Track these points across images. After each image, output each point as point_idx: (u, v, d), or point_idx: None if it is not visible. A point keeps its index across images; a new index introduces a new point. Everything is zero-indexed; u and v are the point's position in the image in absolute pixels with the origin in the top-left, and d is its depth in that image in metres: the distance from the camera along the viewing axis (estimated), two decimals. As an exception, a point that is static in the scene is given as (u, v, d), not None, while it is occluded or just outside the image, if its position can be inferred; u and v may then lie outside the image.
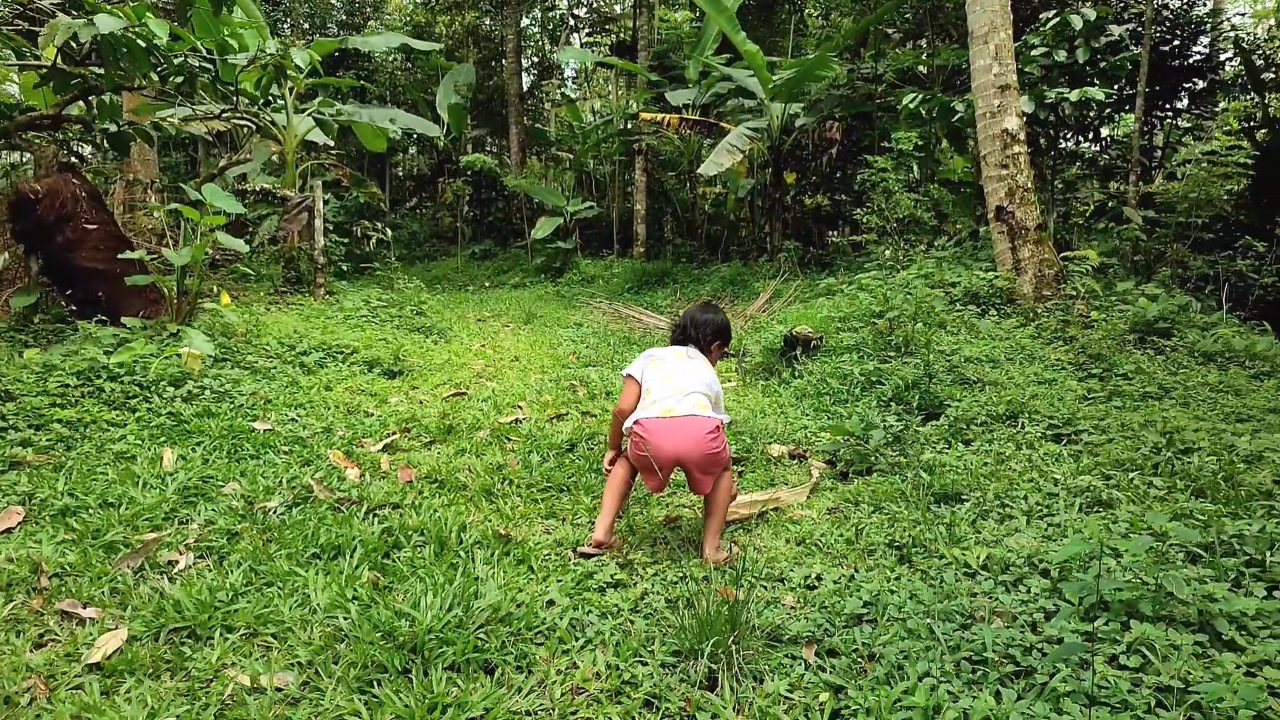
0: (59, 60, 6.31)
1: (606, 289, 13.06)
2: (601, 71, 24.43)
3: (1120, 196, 9.13)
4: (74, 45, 6.15)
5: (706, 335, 3.53)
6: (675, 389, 3.24)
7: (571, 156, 19.20)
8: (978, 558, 2.94)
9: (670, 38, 16.21)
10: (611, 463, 3.43)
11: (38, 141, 8.01)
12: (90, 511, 3.26)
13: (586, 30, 24.84)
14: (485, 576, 2.84)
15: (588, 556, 3.12)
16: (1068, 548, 2.13)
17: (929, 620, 2.52)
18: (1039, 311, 6.44)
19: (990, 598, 2.68)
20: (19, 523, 3.17)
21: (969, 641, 2.39)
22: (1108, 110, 10.17)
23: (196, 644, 2.41)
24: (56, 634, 2.45)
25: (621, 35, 21.17)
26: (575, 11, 24.95)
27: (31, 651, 2.36)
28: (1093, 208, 9.36)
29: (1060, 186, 9.77)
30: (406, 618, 2.52)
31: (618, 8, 24.78)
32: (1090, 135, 11.05)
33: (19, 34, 6.80)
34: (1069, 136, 10.85)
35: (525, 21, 23.34)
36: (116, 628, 2.46)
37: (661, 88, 15.19)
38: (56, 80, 6.29)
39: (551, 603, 2.72)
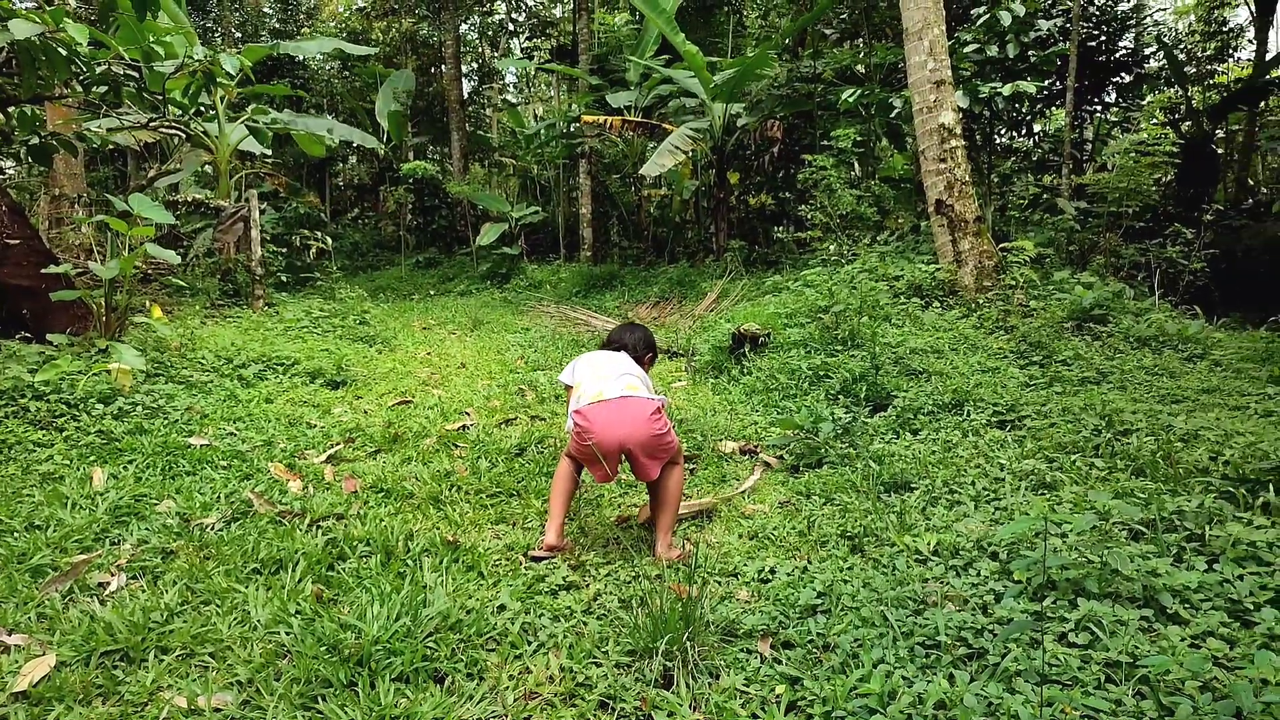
0: (-28, 70, 6.07)
1: (554, 293, 12.98)
2: (543, 76, 24.35)
3: (1054, 189, 9.35)
4: (-12, 54, 5.91)
5: (640, 346, 3.61)
6: (603, 375, 3.26)
7: (515, 162, 19.09)
8: (928, 544, 2.96)
9: (610, 40, 16.23)
10: None
11: (-46, 155, 7.69)
12: (15, 535, 3.11)
13: (526, 35, 24.72)
14: (434, 584, 2.77)
15: (539, 560, 3.07)
16: (1013, 526, 2.15)
17: (882, 608, 2.53)
18: (980, 302, 6.55)
19: (941, 583, 2.70)
20: (-63, 550, 3.00)
21: (922, 627, 2.40)
22: (1039, 105, 10.41)
23: (130, 667, 2.31)
24: (-22, 664, 2.32)
25: (561, 39, 21.13)
26: (514, 16, 24.81)
27: (-49, 684, 2.23)
28: (1028, 200, 9.56)
29: (996, 180, 9.97)
30: (352, 629, 2.44)
31: (557, 11, 24.72)
32: (1023, 129, 11.30)
33: (-71, 44, 6.51)
34: (1003, 131, 11.08)
35: (464, 27, 23.14)
36: (44, 653, 2.33)
37: (603, 91, 15.19)
38: (-29, 90, 6.04)
39: (502, 608, 2.66)
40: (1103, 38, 11.27)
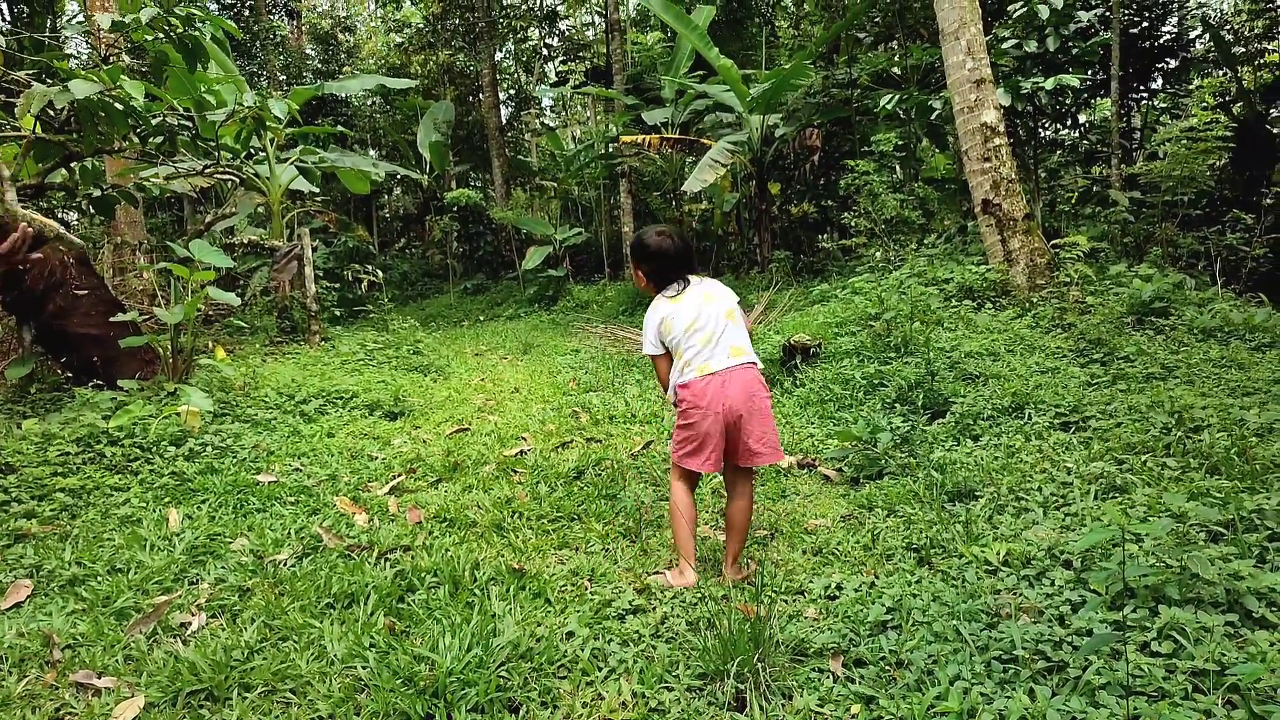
0: (38, 129, 6.34)
1: (601, 313, 13.06)
2: (579, 98, 24.58)
3: (1104, 180, 9.15)
4: (51, 113, 6.18)
5: (693, 255, 3.31)
6: (704, 334, 3.08)
7: (555, 185, 19.28)
8: (997, 554, 2.91)
9: (644, 59, 16.34)
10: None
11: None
12: (99, 579, 3.22)
13: (560, 59, 25.01)
14: (502, 613, 2.80)
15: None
16: (1088, 536, 2.10)
17: (954, 622, 2.49)
18: (1034, 301, 6.43)
19: (1014, 593, 2.65)
20: (28, 596, 3.12)
21: (997, 640, 2.36)
22: (1084, 96, 10.21)
23: (215, 706, 2.37)
24: (73, 707, 2.41)
25: (595, 61, 21.34)
26: (548, 41, 25.14)
27: (48, 728, 2.31)
28: (1078, 194, 9.38)
29: (1044, 175, 9.79)
30: (426, 661, 2.48)
31: (590, 33, 24.99)
32: (1069, 122, 11.09)
33: (-3, 107, 6.83)
34: (1048, 125, 10.89)
35: (499, 55, 23.51)
36: (133, 695, 2.41)
37: (639, 109, 15.29)
38: (37, 149, 6.31)
39: (571, 634, 2.68)
40: (1145, 24, 11.03)
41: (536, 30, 24.64)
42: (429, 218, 20.07)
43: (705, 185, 11.36)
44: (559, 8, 24.82)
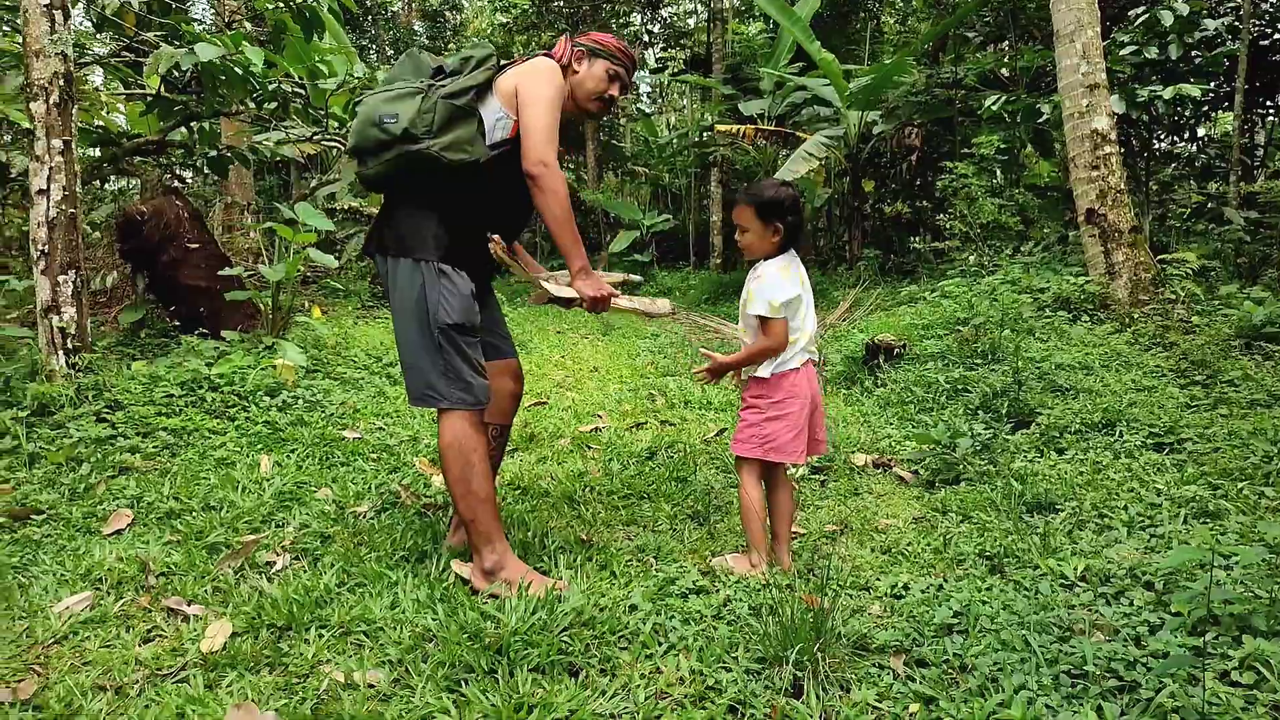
0: (162, 89, 6.67)
1: (684, 300, 13.08)
2: (676, 86, 24.54)
3: (1220, 197, 8.71)
4: (176, 74, 6.49)
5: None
6: (812, 325, 3.11)
7: (647, 170, 19.33)
8: (1075, 569, 2.83)
9: (744, 50, 16.20)
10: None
11: (144, 167, 8.46)
12: (194, 514, 3.41)
13: (661, 45, 24.99)
14: (569, 580, 2.86)
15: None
16: (1175, 555, 2.04)
17: (1024, 632, 2.43)
18: (1135, 317, 6.19)
19: (1090, 610, 2.58)
20: (128, 524, 3.33)
21: (1067, 655, 2.30)
22: (1204, 108, 9.72)
23: (293, 640, 2.49)
24: (164, 630, 2.56)
25: (695, 49, 21.25)
26: (649, 28, 25.14)
27: (140, 646, 2.47)
28: (1191, 209, 8.95)
29: (1155, 188, 9.39)
30: (492, 619, 2.55)
31: (691, 21, 24.88)
32: (1186, 134, 10.59)
33: (126, 65, 7.21)
34: (1163, 136, 10.42)
35: (601, 39, 23.58)
36: (220, 623, 2.55)
37: (736, 100, 15.19)
38: (160, 108, 6.65)
39: (634, 608, 2.72)
40: (1277, 35, 10.43)
41: (639, 16, 24.66)
42: (522, 197, 20.34)
43: (797, 178, 11.24)
44: (663, -6, 24.77)
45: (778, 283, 2.95)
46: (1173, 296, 6.09)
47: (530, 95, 2.77)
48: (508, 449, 4.66)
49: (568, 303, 2.90)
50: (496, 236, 2.97)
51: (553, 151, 2.73)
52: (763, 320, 2.98)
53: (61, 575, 2.85)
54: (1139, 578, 2.73)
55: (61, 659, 2.38)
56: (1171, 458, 3.90)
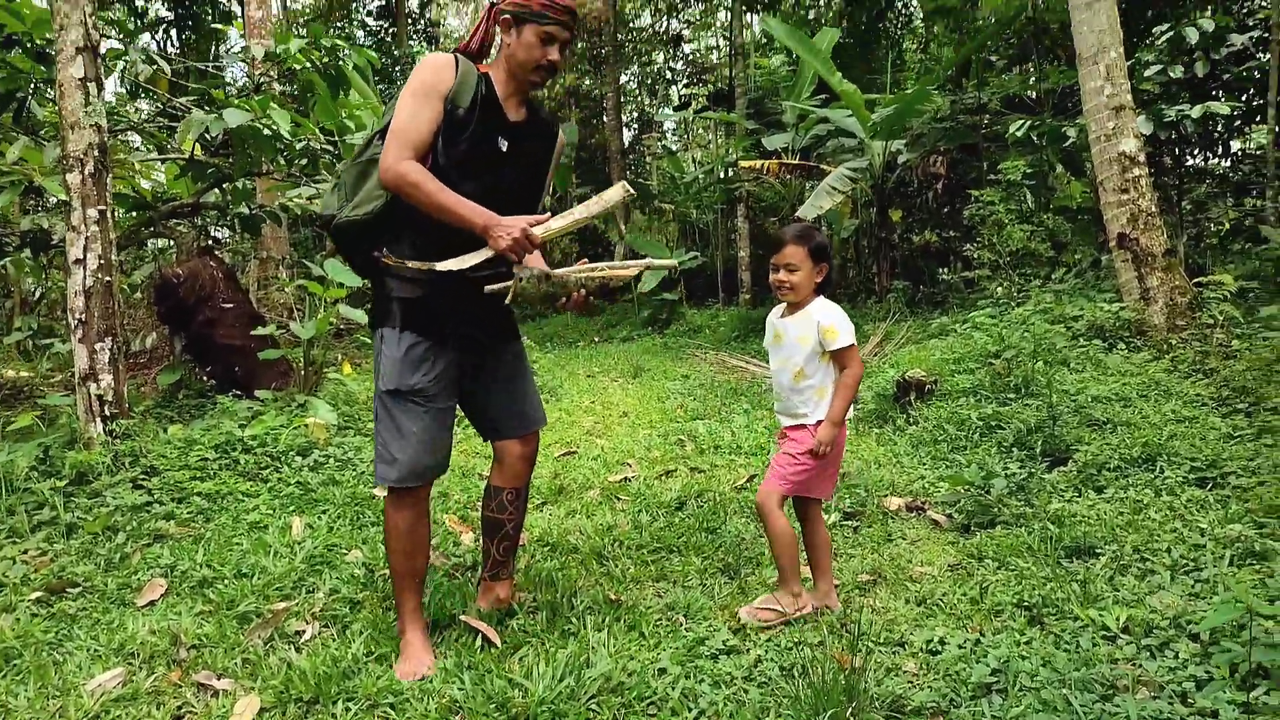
0: (196, 152, 6.87)
1: (713, 338, 13.05)
2: (700, 121, 24.75)
3: (1257, 214, 8.53)
4: (208, 138, 6.68)
5: None
6: None
7: (673, 207, 19.44)
8: (1117, 619, 2.74)
9: (766, 83, 16.32)
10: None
11: (179, 228, 8.69)
12: (226, 582, 3.44)
13: (684, 82, 25.27)
14: (597, 644, 2.83)
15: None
16: (1213, 615, 1.96)
17: (1065, 690, 2.36)
18: (1173, 343, 6.05)
19: (1133, 664, 2.49)
20: (161, 595, 3.37)
21: (1111, 715, 2.22)
22: (1236, 124, 9.56)
23: (321, 714, 2.49)
24: (194, 706, 2.57)
25: (719, 84, 21.44)
26: (672, 65, 25.46)
27: (172, 724, 2.48)
28: (1227, 228, 8.77)
29: (1189, 208, 9.22)
30: (519, 687, 2.53)
31: (714, 57, 25.15)
32: (1219, 151, 10.41)
33: (161, 130, 7.45)
34: (1196, 154, 10.25)
35: (624, 78, 23.95)
36: (249, 698, 2.56)
37: (759, 134, 15.25)
38: (194, 171, 6.84)
39: (663, 671, 2.68)
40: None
41: (661, 54, 25.00)
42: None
43: (822, 211, 11.24)
44: (684, 32, 25.11)
45: (843, 315, 3.05)
46: (1211, 320, 5.94)
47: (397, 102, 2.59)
48: (536, 503, 4.65)
49: (549, 293, 2.59)
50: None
51: (403, 152, 2.50)
52: (842, 351, 3.00)
53: (95, 650, 2.88)
54: (1183, 628, 2.64)
55: (94, 740, 2.40)
56: (1215, 493, 3.78)
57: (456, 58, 2.67)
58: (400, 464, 2.70)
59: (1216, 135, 9.68)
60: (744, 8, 16.55)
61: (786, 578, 3.08)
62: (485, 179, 2.63)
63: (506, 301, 2.58)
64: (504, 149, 2.70)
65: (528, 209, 2.74)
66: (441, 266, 2.51)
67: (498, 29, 2.70)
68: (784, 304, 3.21)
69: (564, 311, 2.62)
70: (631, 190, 2.61)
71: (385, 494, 2.84)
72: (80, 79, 4.86)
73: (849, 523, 4.12)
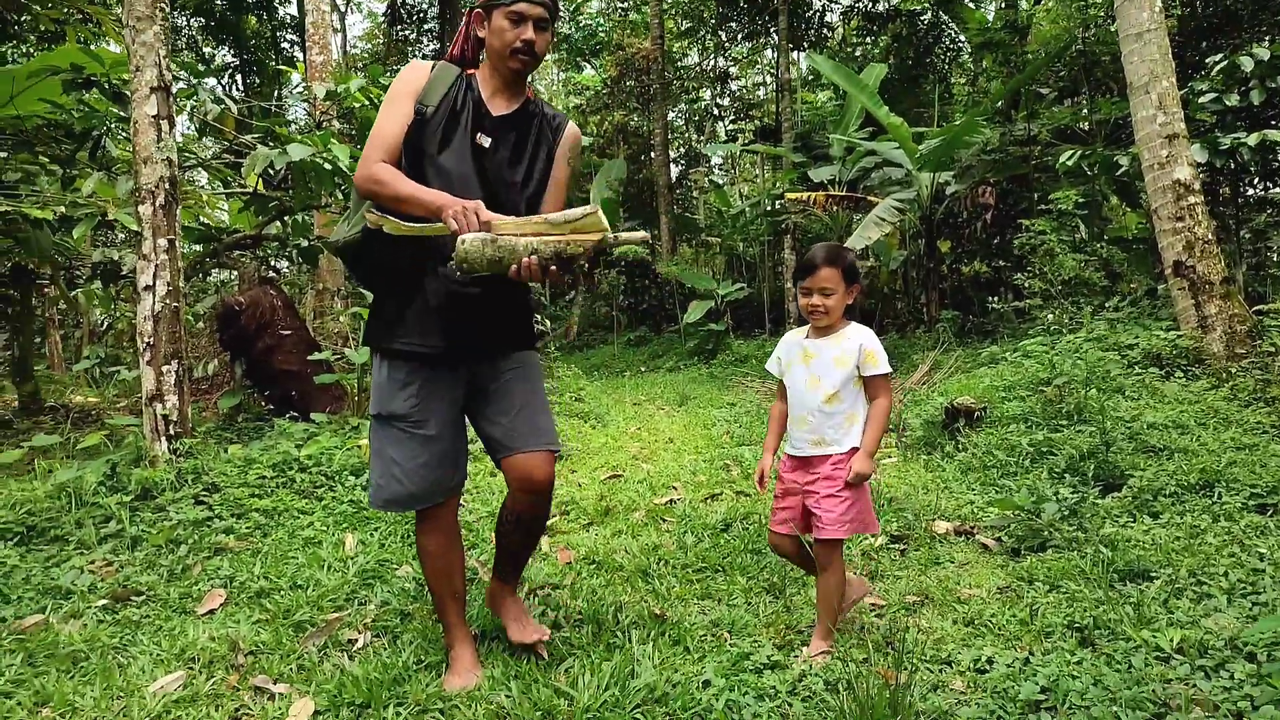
0: (259, 186, 7.15)
1: (759, 368, 13.03)
2: (748, 156, 24.94)
3: (1320, 242, 8.34)
4: (271, 172, 6.95)
5: None
6: None
7: (720, 240, 19.55)
8: (1171, 640, 2.69)
9: (813, 118, 16.44)
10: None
11: (242, 259, 9.01)
12: (282, 593, 3.54)
13: (731, 118, 25.52)
14: (641, 656, 2.85)
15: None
16: (1263, 622, 1.93)
17: (1116, 709, 2.32)
18: (1232, 371, 5.92)
19: (1187, 684, 2.44)
20: (221, 604, 3.47)
21: (1163, 732, 2.19)
22: (1297, 151, 9.38)
23: (373, 718, 2.54)
24: (250, 709, 2.65)
25: (765, 120, 21.64)
26: (719, 101, 25.75)
27: (230, 723, 2.56)
28: (1289, 256, 8.58)
29: (1248, 236, 9.04)
30: (565, 696, 2.56)
31: (760, 93, 25.39)
32: (1278, 179, 10.20)
33: (227, 166, 7.76)
34: (1256, 184, 10.06)
35: (671, 115, 24.27)
36: (304, 702, 2.63)
37: (806, 167, 15.33)
38: (257, 204, 7.11)
39: (707, 683, 2.69)
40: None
41: (708, 91, 25.30)
42: (597, 270, 20.81)
43: (870, 243, 11.22)
44: (731, 69, 25.41)
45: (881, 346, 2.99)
46: (1272, 349, 5.81)
47: None
48: (583, 523, 4.70)
49: (495, 258, 2.32)
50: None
51: (374, 155, 2.51)
52: (878, 378, 2.96)
53: (157, 655, 2.99)
54: (1240, 649, 2.58)
55: (156, 735, 2.49)
56: (1275, 520, 3.69)
57: (434, 64, 2.68)
58: (383, 490, 2.70)
59: (1276, 165, 9.50)
60: (790, 45, 16.74)
61: (831, 629, 2.98)
62: (463, 172, 2.61)
63: (451, 266, 2.35)
64: (485, 144, 2.66)
65: (528, 204, 2.80)
66: (390, 225, 2.43)
67: (477, 31, 2.70)
68: (807, 326, 3.12)
69: (517, 280, 2.36)
70: (598, 209, 2.47)
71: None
72: (154, 116, 5.11)
73: (896, 545, 4.09)
